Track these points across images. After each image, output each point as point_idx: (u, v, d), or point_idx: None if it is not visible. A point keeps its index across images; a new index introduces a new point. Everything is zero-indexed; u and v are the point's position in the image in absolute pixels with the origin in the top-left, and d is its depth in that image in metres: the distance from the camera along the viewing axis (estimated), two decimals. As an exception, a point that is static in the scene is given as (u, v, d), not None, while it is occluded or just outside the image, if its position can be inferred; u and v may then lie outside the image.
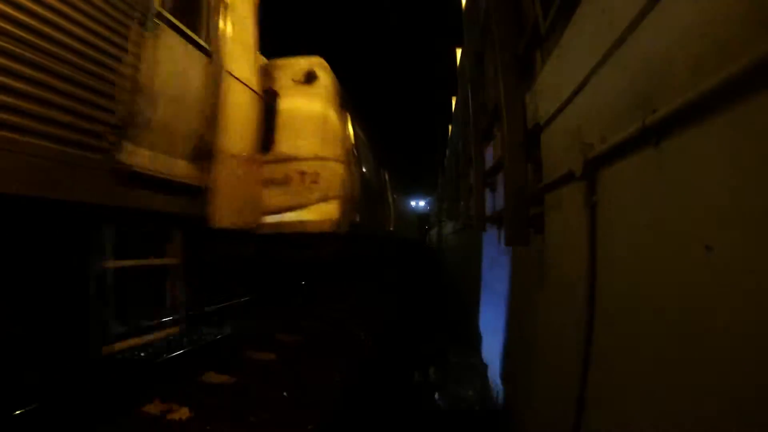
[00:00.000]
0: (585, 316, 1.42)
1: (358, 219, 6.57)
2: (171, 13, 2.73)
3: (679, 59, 0.92)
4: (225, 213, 3.42)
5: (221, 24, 3.40)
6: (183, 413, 2.46)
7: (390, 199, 13.03)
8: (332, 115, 5.52)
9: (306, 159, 5.07)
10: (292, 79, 5.21)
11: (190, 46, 2.98)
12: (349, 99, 6.52)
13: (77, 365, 2.42)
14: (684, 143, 0.92)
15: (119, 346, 2.46)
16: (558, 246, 1.92)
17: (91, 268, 2.37)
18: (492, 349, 3.63)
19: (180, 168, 2.90)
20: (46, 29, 1.84)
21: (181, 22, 2.83)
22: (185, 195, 2.97)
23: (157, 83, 2.60)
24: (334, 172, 5.33)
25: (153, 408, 2.51)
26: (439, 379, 3.51)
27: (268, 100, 4.65)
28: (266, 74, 4.84)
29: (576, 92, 1.60)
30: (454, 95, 13.72)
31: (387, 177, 12.42)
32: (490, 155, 3.95)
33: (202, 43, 3.10)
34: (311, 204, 5.01)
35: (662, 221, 1.01)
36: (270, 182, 4.75)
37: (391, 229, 13.16)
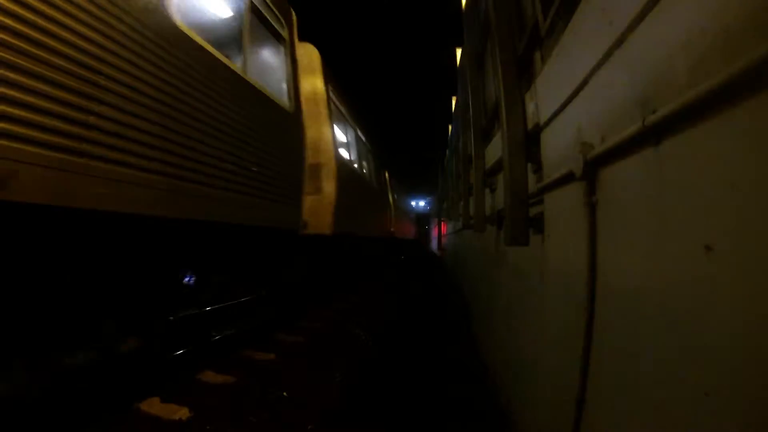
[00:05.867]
0: (585, 316, 1.42)
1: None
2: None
3: (679, 59, 0.92)
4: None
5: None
6: (183, 413, 2.45)
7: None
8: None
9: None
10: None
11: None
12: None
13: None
14: (684, 143, 0.92)
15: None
16: (558, 246, 1.92)
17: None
18: (492, 348, 3.63)
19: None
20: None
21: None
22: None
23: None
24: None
25: (152, 408, 2.51)
26: (439, 378, 3.51)
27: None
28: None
29: (576, 92, 1.60)
30: (454, 95, 13.71)
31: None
32: (490, 155, 3.95)
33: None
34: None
35: (662, 221, 1.00)
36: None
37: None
